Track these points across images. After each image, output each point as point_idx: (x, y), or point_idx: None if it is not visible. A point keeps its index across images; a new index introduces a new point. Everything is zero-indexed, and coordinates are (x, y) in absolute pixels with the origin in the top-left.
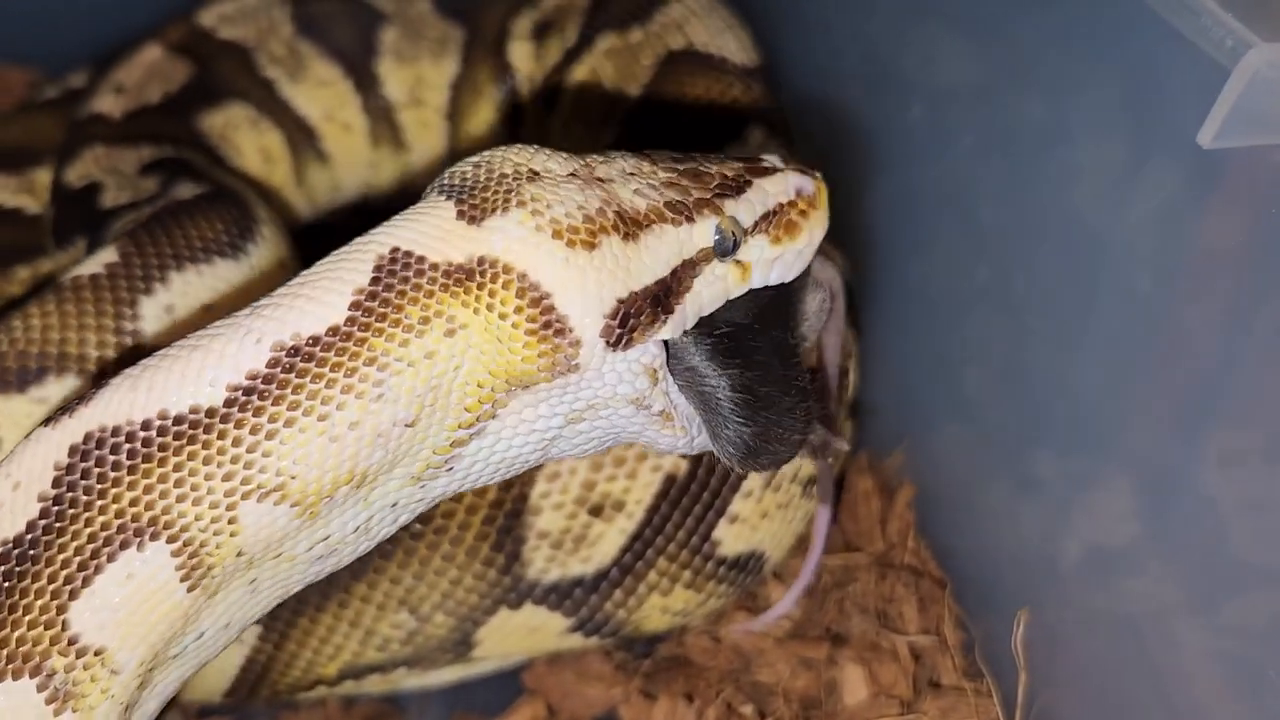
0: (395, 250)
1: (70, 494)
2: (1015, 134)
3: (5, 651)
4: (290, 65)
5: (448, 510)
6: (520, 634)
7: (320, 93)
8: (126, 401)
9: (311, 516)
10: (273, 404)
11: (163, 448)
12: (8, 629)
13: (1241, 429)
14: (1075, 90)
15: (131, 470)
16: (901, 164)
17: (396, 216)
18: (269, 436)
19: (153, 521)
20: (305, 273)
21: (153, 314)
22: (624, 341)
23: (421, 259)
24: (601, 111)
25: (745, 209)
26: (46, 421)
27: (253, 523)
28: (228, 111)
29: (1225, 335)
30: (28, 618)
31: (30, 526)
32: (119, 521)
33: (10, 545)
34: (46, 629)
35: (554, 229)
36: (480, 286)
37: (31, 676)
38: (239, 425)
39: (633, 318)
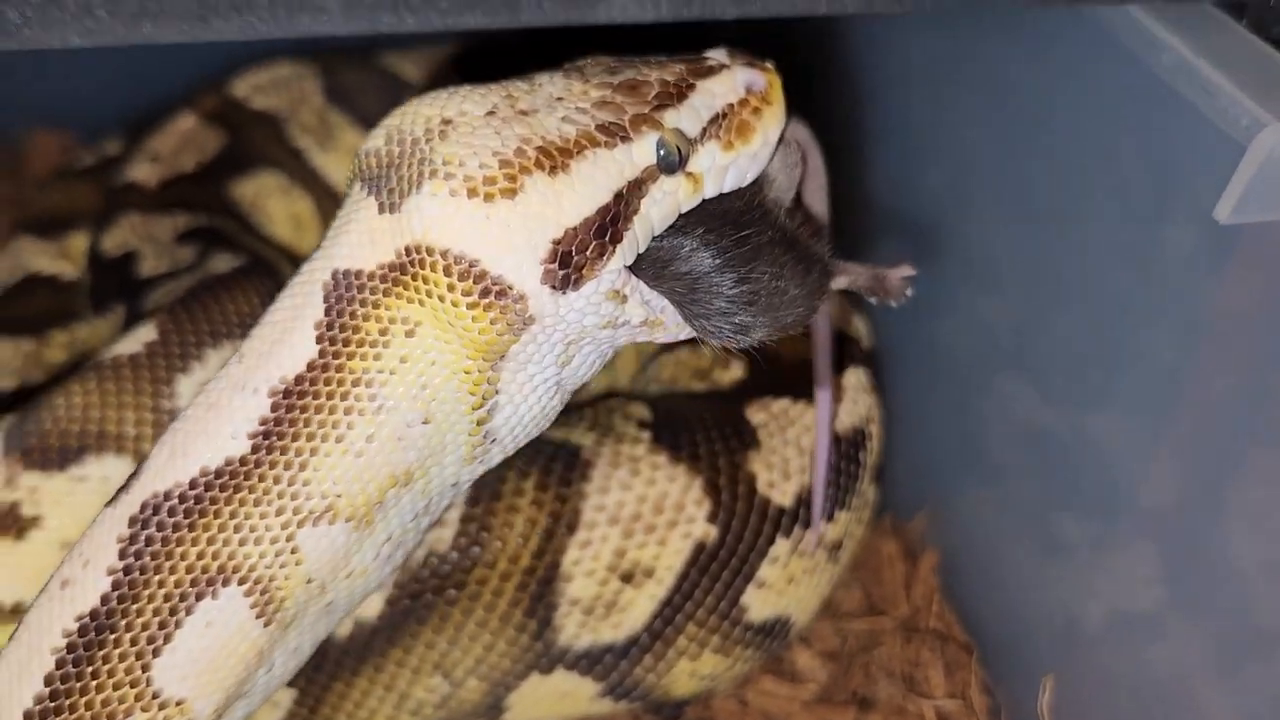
0: (336, 273)
1: (138, 561)
2: (1038, 203)
3: (90, 713)
4: (320, 134)
5: (481, 577)
6: (551, 699)
7: (349, 161)
8: (168, 467)
9: (368, 525)
10: (292, 440)
11: (213, 500)
12: (91, 693)
13: (1264, 493)
14: (1098, 163)
15: (190, 527)
16: (924, 228)
17: (331, 228)
18: (301, 468)
19: (221, 569)
20: (271, 309)
21: (189, 392)
22: (572, 281)
23: (359, 273)
24: None
25: (689, 117)
26: (109, 503)
27: (313, 547)
28: (259, 179)
29: (1247, 401)
30: (112, 680)
31: (104, 599)
32: (190, 576)
33: (87, 619)
34: (131, 688)
35: (469, 187)
36: (414, 278)
37: None
38: (272, 465)
39: (575, 255)
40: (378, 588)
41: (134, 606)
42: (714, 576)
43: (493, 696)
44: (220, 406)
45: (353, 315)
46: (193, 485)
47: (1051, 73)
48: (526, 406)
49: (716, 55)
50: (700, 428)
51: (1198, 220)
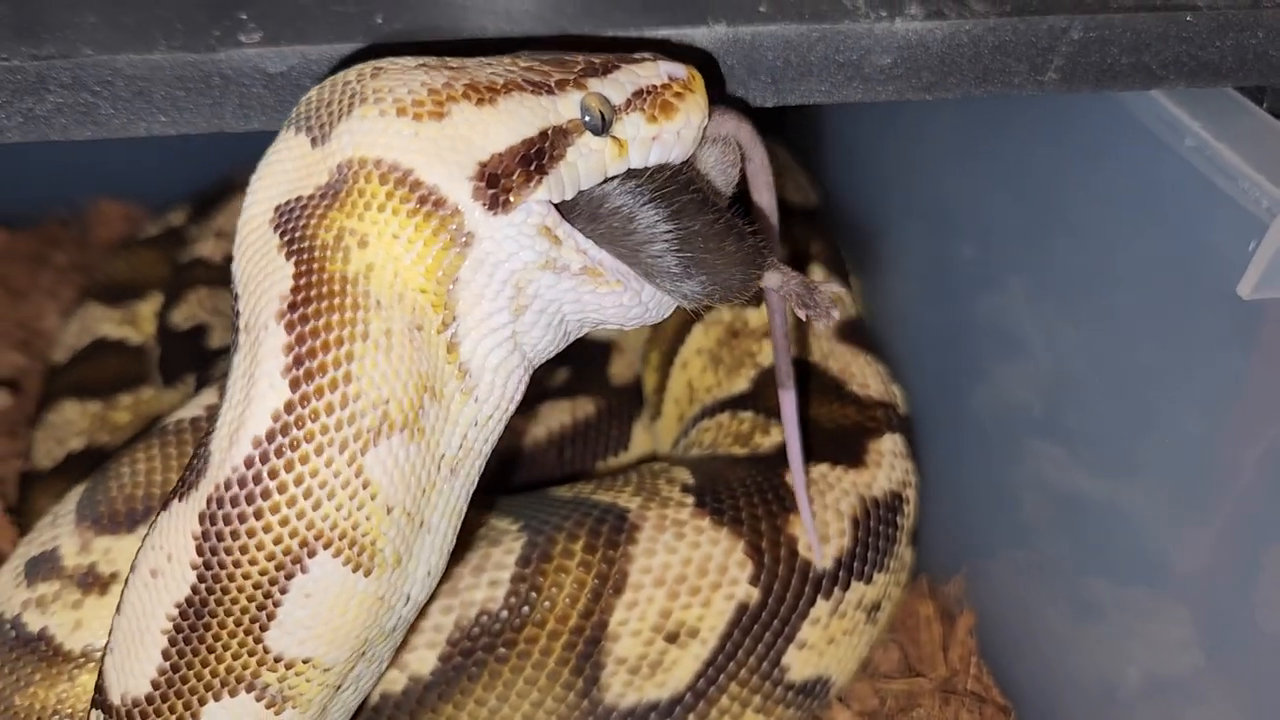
0: (277, 208)
1: (216, 557)
2: (1066, 277)
3: (218, 680)
4: None
5: (532, 635)
6: None
7: None
8: (224, 453)
9: (420, 434)
10: (324, 350)
11: (273, 472)
12: (212, 664)
13: None
14: (1124, 239)
15: (257, 515)
16: (955, 298)
17: (257, 173)
18: (345, 379)
19: (303, 544)
20: (236, 267)
21: None
22: (500, 202)
23: (299, 199)
24: None
25: (612, 87)
26: (174, 492)
27: (380, 471)
28: None
29: (1276, 469)
30: (229, 653)
31: (194, 589)
32: (272, 562)
33: (185, 605)
34: (250, 656)
35: (398, 108)
36: (352, 191)
37: (248, 691)
38: (319, 392)
39: (502, 178)
40: (460, 509)
41: (226, 596)
42: (756, 637)
43: None
44: (241, 376)
45: (305, 230)
46: (249, 463)
47: (1078, 153)
48: (485, 351)
49: (642, 54)
50: (742, 492)
51: (1222, 296)
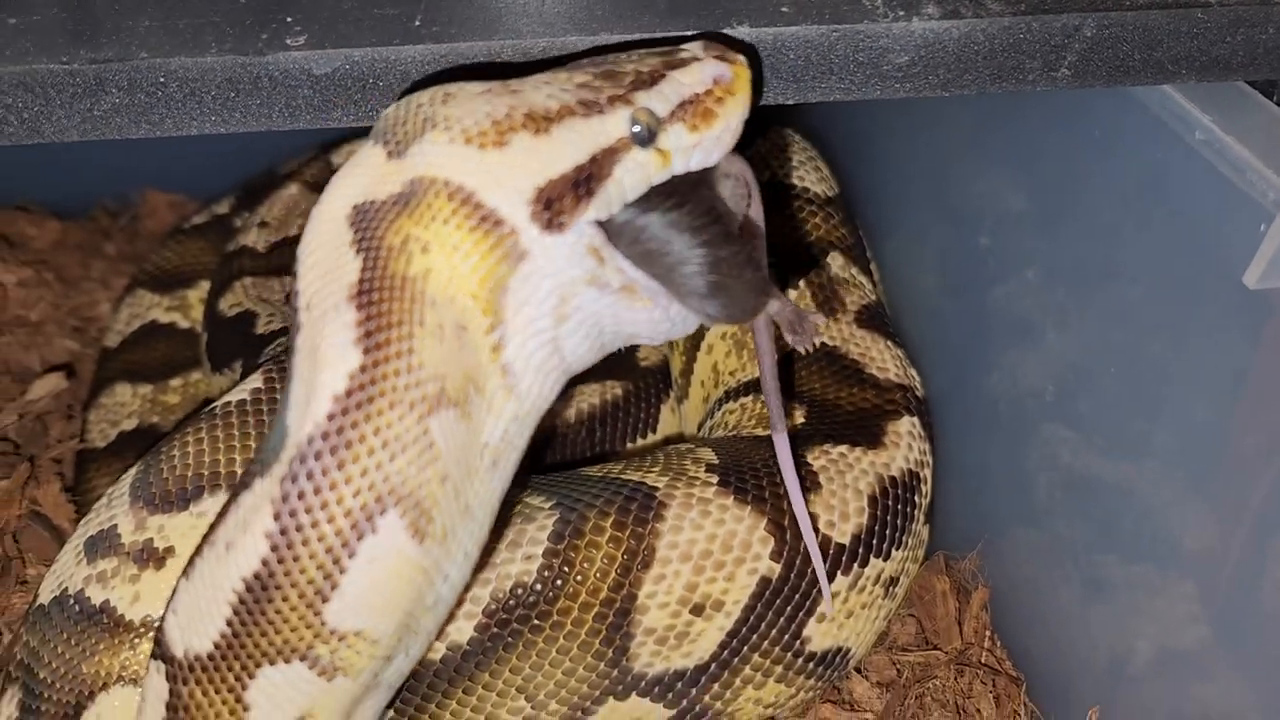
0: (355, 207)
1: (295, 519)
2: (1076, 264)
3: (274, 649)
4: None
5: (564, 608)
6: None
7: None
8: (302, 415)
9: (469, 418)
10: (390, 327)
11: (353, 423)
12: (270, 635)
13: None
14: (1134, 229)
15: (339, 465)
16: (970, 285)
17: (337, 177)
18: (410, 352)
19: (378, 498)
20: (304, 252)
21: None
22: (554, 224)
23: (373, 202)
24: None
25: (659, 100)
26: (250, 471)
27: (442, 437)
28: None
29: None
30: (287, 625)
31: (265, 562)
32: (348, 520)
33: (253, 578)
34: (307, 628)
35: (465, 137)
36: (421, 203)
37: (301, 660)
38: (387, 359)
39: (555, 201)
40: (494, 503)
41: (297, 567)
42: (778, 610)
43: None
44: (314, 347)
45: (376, 231)
46: (330, 417)
47: (1089, 143)
48: (529, 353)
49: (692, 48)
50: (764, 471)
51: (1229, 285)
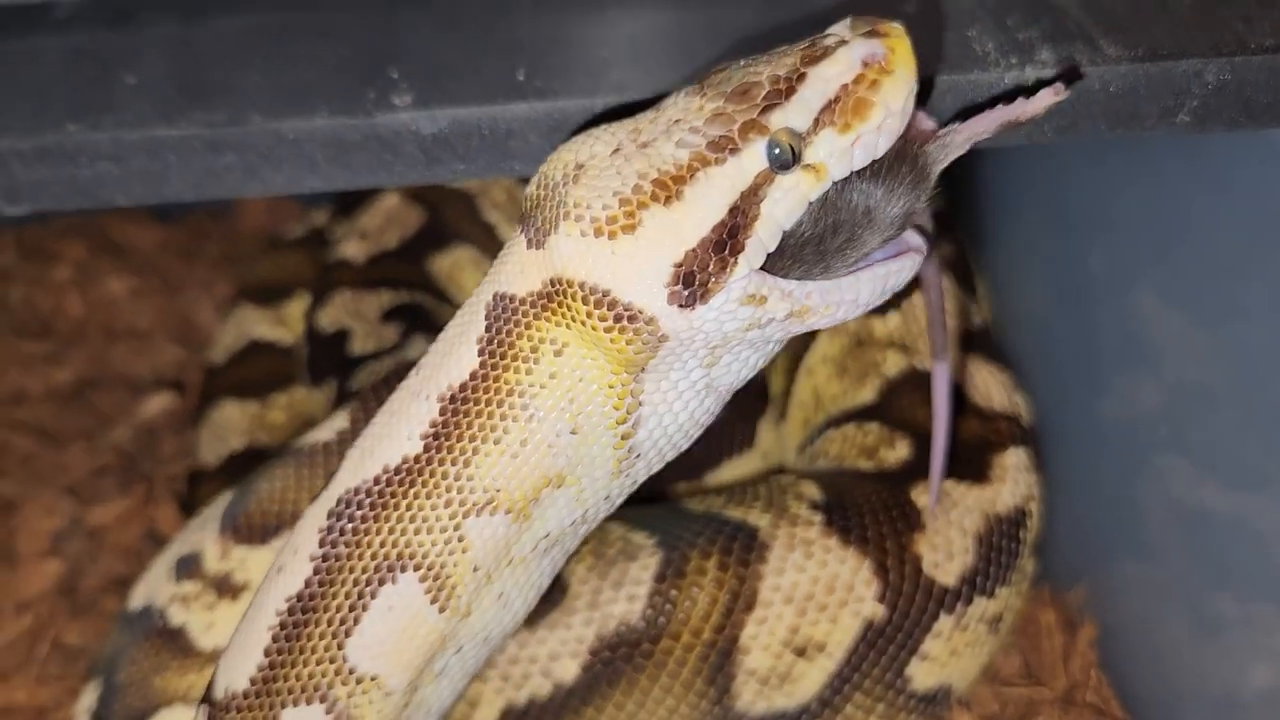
0: (496, 295)
1: (334, 550)
2: (1195, 290)
3: (298, 684)
4: (509, 209)
5: (667, 647)
6: None
7: None
8: (358, 467)
9: (525, 518)
10: (457, 440)
11: (392, 495)
12: (298, 666)
13: None
14: (1256, 260)
15: (375, 519)
16: (1083, 308)
17: (498, 257)
18: (465, 465)
19: (400, 556)
20: (448, 325)
21: None
22: (698, 297)
23: (513, 297)
24: None
25: (797, 111)
26: (314, 498)
27: (477, 535)
28: (455, 253)
29: None
30: (314, 656)
31: (308, 583)
32: (374, 563)
33: (295, 600)
34: (330, 663)
35: (595, 228)
36: (559, 305)
37: (320, 703)
38: (440, 463)
39: (697, 273)
40: (539, 585)
41: (331, 590)
42: (881, 650)
43: None
44: (400, 413)
45: (508, 333)
46: (376, 481)
47: (1213, 168)
48: (672, 416)
49: (838, 30)
50: (869, 510)
51: None
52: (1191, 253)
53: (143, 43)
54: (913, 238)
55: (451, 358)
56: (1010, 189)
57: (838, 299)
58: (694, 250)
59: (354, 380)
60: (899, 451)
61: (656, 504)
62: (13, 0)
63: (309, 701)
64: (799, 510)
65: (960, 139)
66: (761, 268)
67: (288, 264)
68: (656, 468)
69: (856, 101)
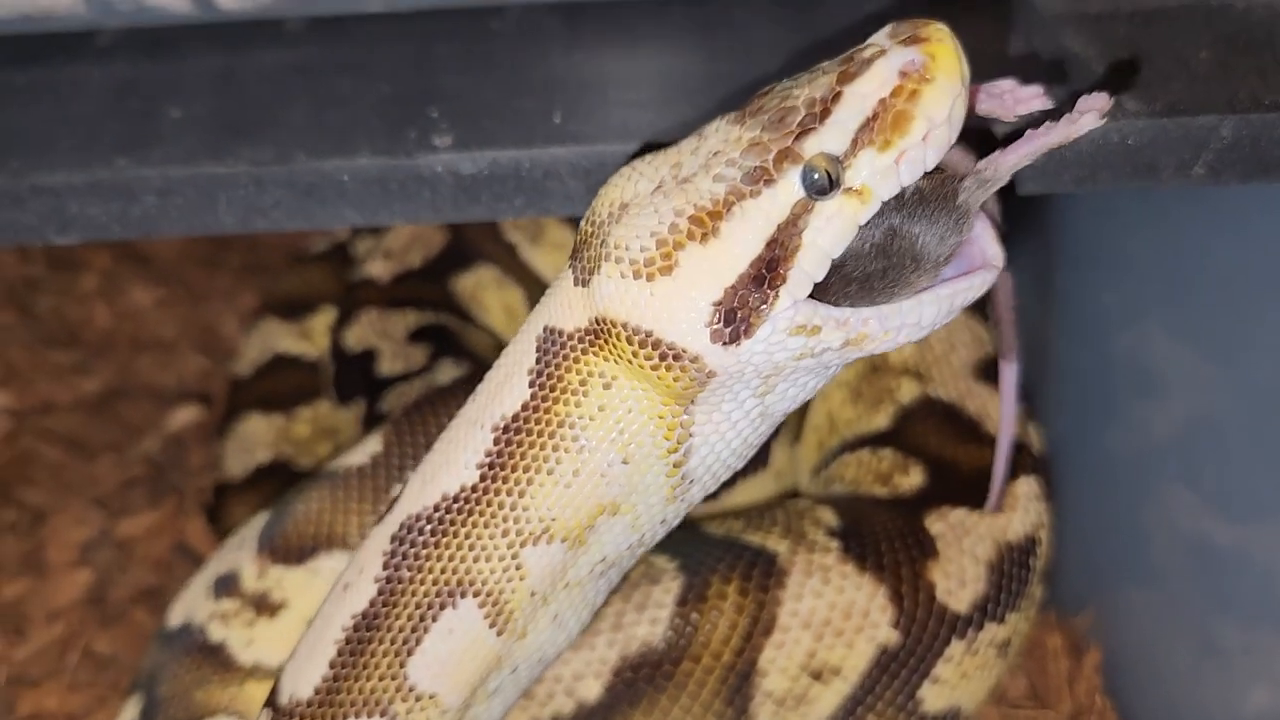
0: (546, 329)
1: (397, 573)
2: (1205, 325)
3: (360, 698)
4: (531, 230)
5: (688, 669)
6: None
7: (556, 255)
8: (420, 493)
9: (581, 544)
10: (511, 470)
11: (451, 522)
12: (361, 680)
13: None
14: (1266, 299)
15: (435, 545)
16: (1094, 339)
17: (549, 288)
18: (520, 495)
19: (460, 583)
20: (503, 354)
21: None
22: (740, 333)
23: (561, 331)
24: None
25: (833, 135)
26: (379, 520)
27: (535, 563)
28: (477, 273)
29: None
30: (377, 673)
31: (372, 603)
32: (435, 588)
33: (360, 618)
34: (391, 680)
35: (634, 270)
36: (605, 342)
37: (381, 717)
38: (496, 493)
39: (738, 309)
40: (594, 604)
41: (394, 611)
42: (894, 675)
43: None
44: (458, 441)
45: (558, 366)
46: (436, 509)
47: (1226, 212)
48: (724, 443)
49: (878, 39)
50: (884, 538)
51: None
52: (1201, 292)
53: (185, 74)
54: (989, 248)
55: (505, 388)
56: (1026, 224)
57: (899, 323)
58: (733, 287)
59: (383, 402)
60: (913, 479)
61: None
62: (57, 27)
63: (369, 715)
64: (816, 536)
65: (1002, 170)
66: (814, 296)
67: (311, 278)
68: (712, 489)
69: (896, 116)
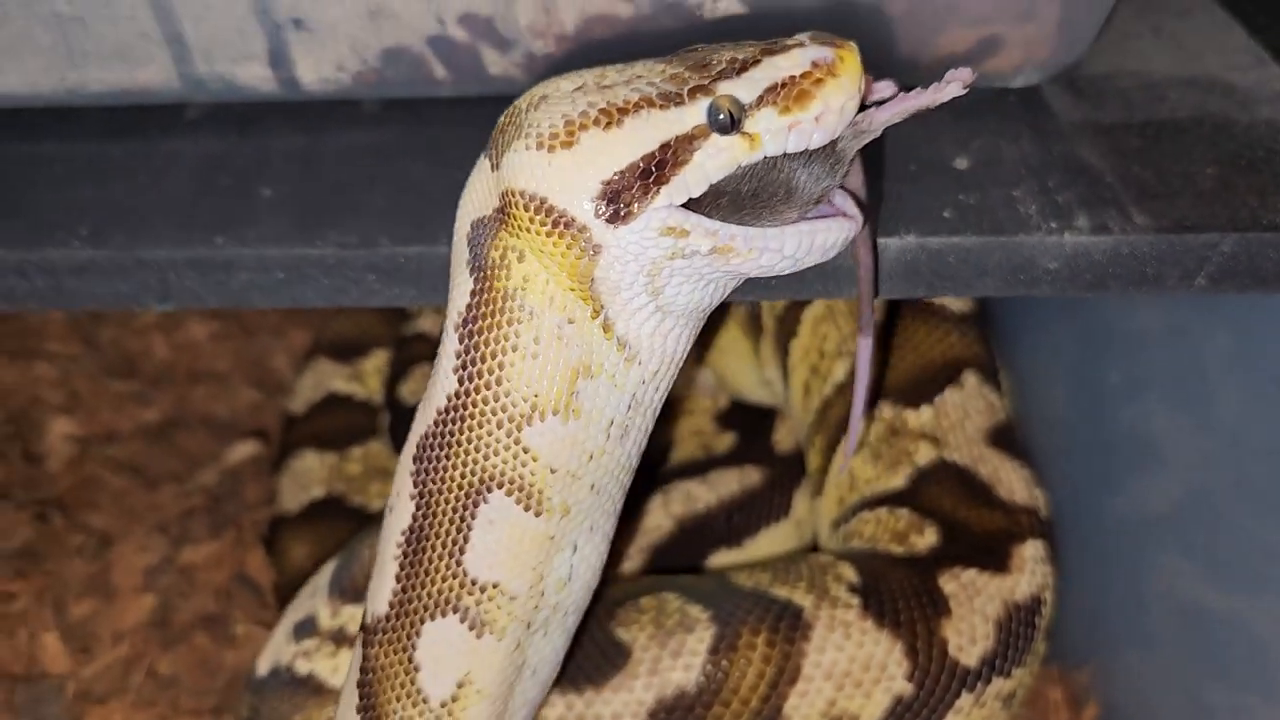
0: (473, 223)
1: (426, 488)
2: (1205, 404)
3: (430, 601)
4: None
5: (718, 714)
6: None
7: None
8: (424, 415)
9: (577, 415)
10: (481, 361)
11: (452, 432)
12: (426, 585)
13: None
14: (1254, 392)
15: (448, 456)
16: (1100, 413)
17: (464, 190)
18: (497, 382)
19: (482, 481)
20: (452, 271)
21: None
22: (622, 214)
23: (482, 218)
24: (835, 345)
25: (745, 86)
26: (404, 448)
27: (539, 442)
28: None
29: None
30: (439, 575)
31: (414, 517)
32: (462, 492)
33: (409, 532)
34: (454, 579)
35: (538, 142)
36: (510, 215)
37: (454, 613)
38: (476, 390)
39: (621, 193)
40: (630, 466)
41: (435, 520)
42: None
43: None
44: (441, 355)
45: (483, 249)
46: (437, 424)
47: (1220, 318)
48: (638, 323)
49: (799, 36)
50: (901, 595)
51: None
52: (1201, 374)
53: (270, 154)
54: (848, 205)
55: (455, 290)
56: (1037, 301)
57: (762, 245)
58: (621, 172)
59: None
60: (928, 538)
61: (707, 575)
62: (151, 99)
63: (444, 614)
64: (839, 592)
65: (875, 123)
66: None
67: (362, 321)
68: (670, 359)
69: (800, 92)
